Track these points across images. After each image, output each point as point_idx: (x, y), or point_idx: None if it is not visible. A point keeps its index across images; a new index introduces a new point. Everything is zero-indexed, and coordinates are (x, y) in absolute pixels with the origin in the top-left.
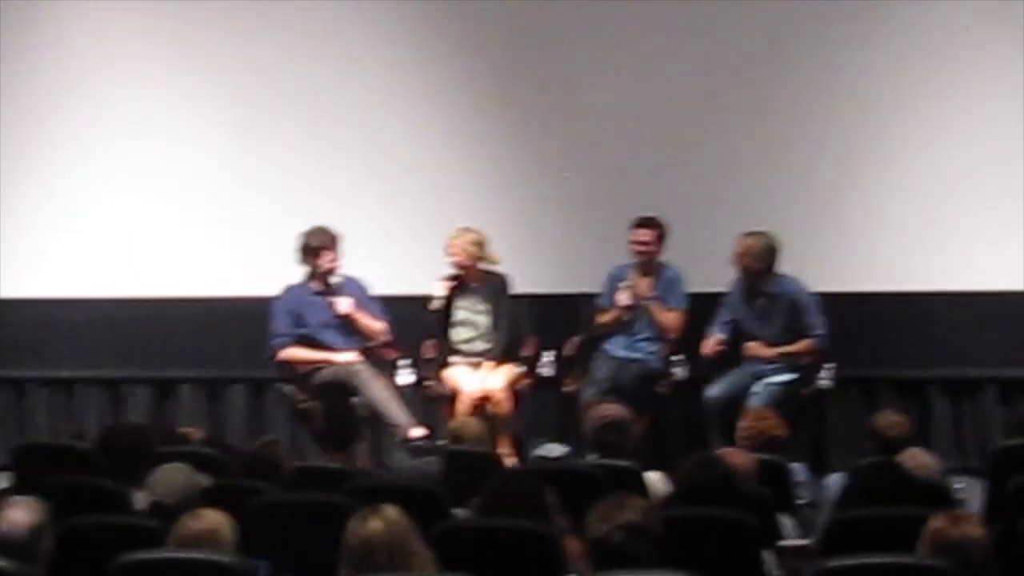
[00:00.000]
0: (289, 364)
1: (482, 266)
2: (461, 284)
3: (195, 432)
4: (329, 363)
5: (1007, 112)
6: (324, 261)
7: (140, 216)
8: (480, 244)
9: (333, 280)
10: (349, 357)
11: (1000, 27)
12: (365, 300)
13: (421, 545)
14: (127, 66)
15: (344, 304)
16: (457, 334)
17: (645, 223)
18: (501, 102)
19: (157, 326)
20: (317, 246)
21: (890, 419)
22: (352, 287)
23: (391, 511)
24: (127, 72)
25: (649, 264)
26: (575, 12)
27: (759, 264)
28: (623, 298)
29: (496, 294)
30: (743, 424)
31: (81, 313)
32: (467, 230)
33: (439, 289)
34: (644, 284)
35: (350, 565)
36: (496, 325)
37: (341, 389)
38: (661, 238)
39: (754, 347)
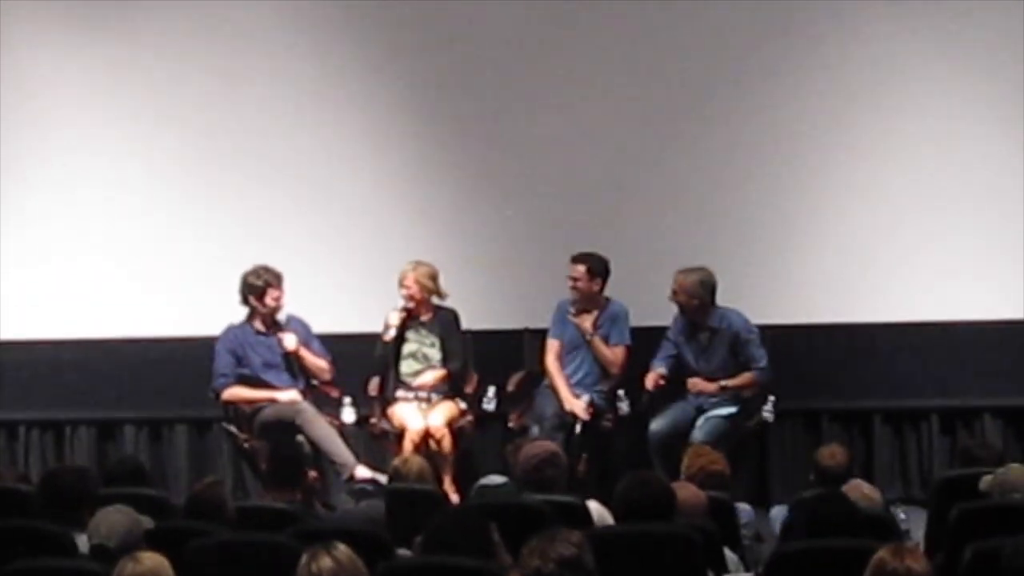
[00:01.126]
0: (232, 404)
1: (434, 300)
2: (411, 317)
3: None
4: (272, 401)
5: (956, 143)
6: (269, 299)
7: (80, 258)
8: (433, 278)
9: (278, 317)
10: (292, 395)
11: (956, 52)
12: (308, 338)
13: None
14: (64, 109)
15: (290, 340)
16: (407, 366)
17: (577, 259)
18: (442, 139)
19: (99, 367)
20: (262, 285)
21: (829, 450)
22: (295, 325)
23: (343, 549)
24: (69, 119)
25: (591, 299)
26: (519, 50)
27: (694, 300)
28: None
29: (447, 327)
30: (685, 462)
31: (22, 355)
32: (420, 263)
33: (393, 319)
34: (587, 320)
35: None
36: (449, 356)
37: (285, 428)
38: (593, 274)
39: (696, 383)
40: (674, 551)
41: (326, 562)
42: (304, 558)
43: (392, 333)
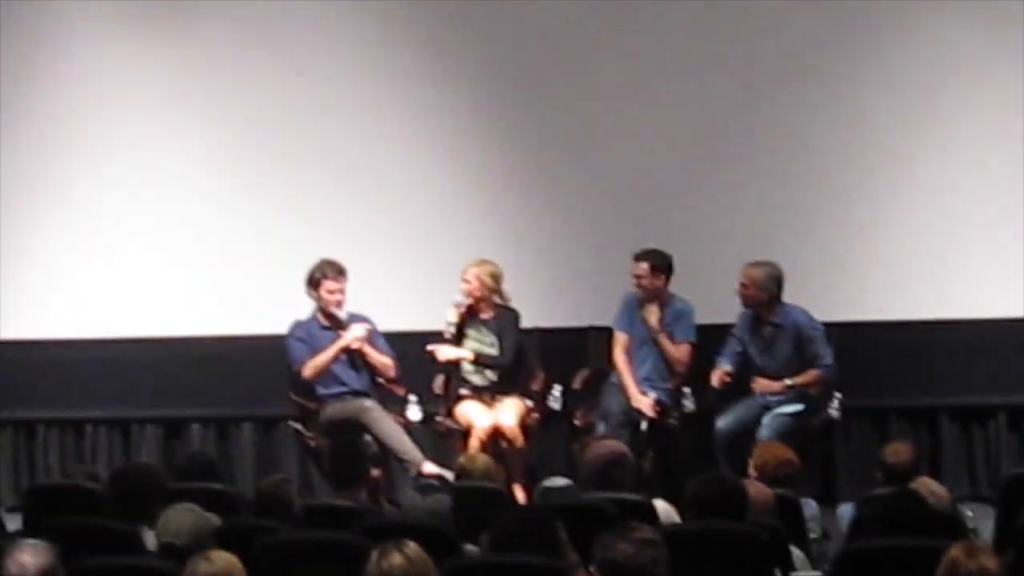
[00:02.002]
0: (317, 380)
1: (496, 300)
2: (472, 314)
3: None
4: (341, 352)
5: (1011, 141)
6: (324, 291)
7: (148, 256)
8: (496, 277)
9: (340, 315)
10: (360, 332)
11: (1004, 55)
12: (373, 336)
13: None
14: (125, 109)
15: (358, 330)
16: (467, 365)
17: (640, 257)
18: (508, 137)
19: (166, 366)
20: (319, 276)
21: (893, 448)
22: (357, 323)
23: (413, 547)
24: (126, 116)
25: (654, 296)
26: (582, 46)
27: (763, 294)
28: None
29: (505, 326)
30: (756, 454)
31: (90, 354)
32: (485, 261)
33: (451, 315)
34: (653, 317)
35: None
36: (502, 352)
37: (350, 426)
38: (657, 270)
39: (762, 383)
40: (743, 550)
41: (397, 559)
42: (374, 555)
43: (450, 329)
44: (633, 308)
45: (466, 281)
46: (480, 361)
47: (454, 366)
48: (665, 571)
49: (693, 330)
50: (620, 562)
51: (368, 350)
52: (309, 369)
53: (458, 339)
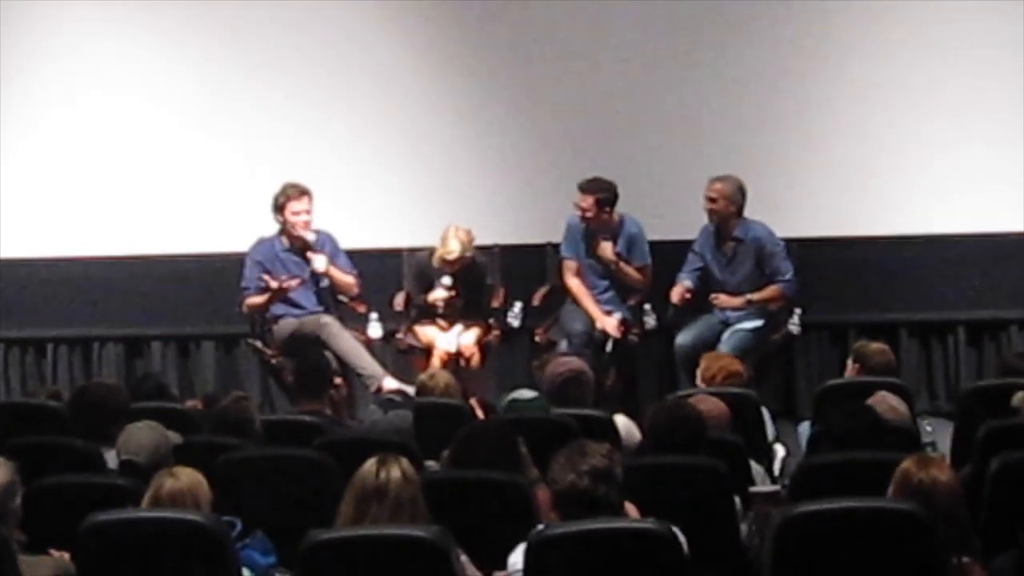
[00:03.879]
0: (253, 310)
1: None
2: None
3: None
4: (284, 290)
5: (976, 59)
6: (289, 213)
7: (109, 174)
8: (472, 243)
9: (308, 235)
10: (321, 261)
11: None
12: (336, 254)
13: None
14: (94, 29)
15: (320, 261)
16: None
17: (585, 189)
18: (468, 55)
19: (127, 284)
20: (282, 200)
21: (875, 347)
22: (323, 240)
23: (407, 464)
24: (95, 35)
25: (602, 226)
26: None
27: (732, 206)
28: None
29: (475, 270)
30: (703, 366)
31: (51, 273)
32: (460, 229)
33: (441, 293)
34: (608, 248)
35: (355, 505)
36: (467, 284)
37: (310, 341)
38: (602, 203)
39: (721, 298)
40: (700, 481)
41: (396, 472)
42: (373, 464)
43: (437, 300)
44: (578, 233)
45: (456, 252)
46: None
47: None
48: (617, 496)
49: (647, 251)
50: (571, 495)
51: (332, 271)
52: (245, 306)
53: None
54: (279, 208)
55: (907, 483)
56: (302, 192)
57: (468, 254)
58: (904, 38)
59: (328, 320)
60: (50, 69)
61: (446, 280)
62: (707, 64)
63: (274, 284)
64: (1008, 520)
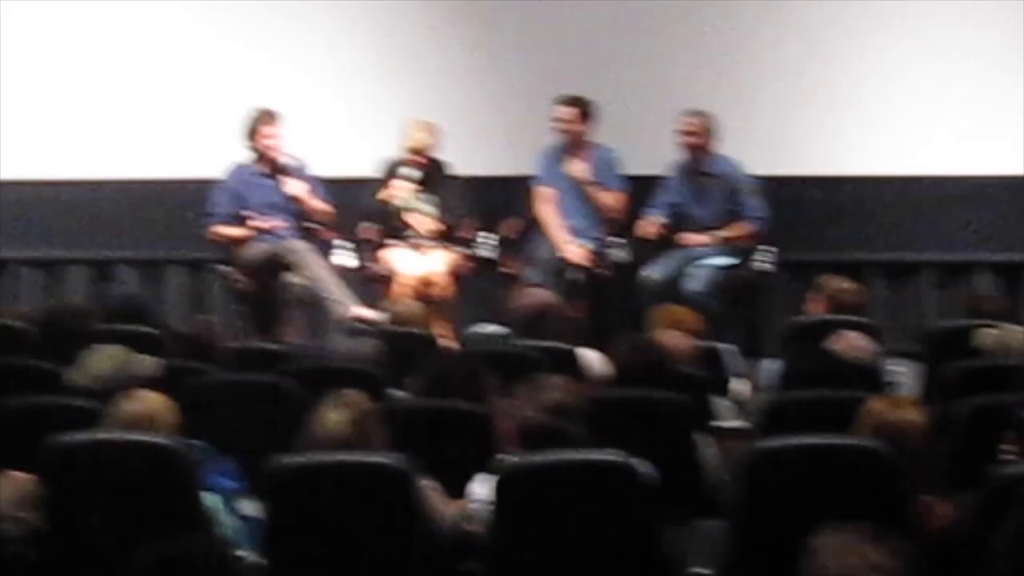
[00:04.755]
0: (224, 242)
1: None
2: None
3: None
4: (258, 230)
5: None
6: (261, 137)
7: (76, 97)
8: (436, 135)
9: (285, 160)
10: (274, 223)
11: None
12: (312, 181)
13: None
14: None
15: (294, 186)
16: (413, 218)
17: (565, 101)
18: None
19: (95, 207)
20: (254, 126)
21: (846, 285)
22: (299, 167)
23: (358, 397)
24: None
25: (578, 144)
26: None
27: (704, 140)
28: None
29: (442, 179)
30: (656, 319)
31: (18, 195)
32: (426, 123)
33: (401, 191)
34: (579, 167)
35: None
36: (447, 209)
37: (272, 267)
38: (584, 117)
39: (691, 237)
40: (663, 415)
41: (343, 416)
42: (323, 408)
43: (398, 203)
44: (554, 160)
45: (416, 151)
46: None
47: (391, 213)
48: (578, 429)
49: (623, 178)
50: (532, 430)
51: (306, 197)
52: (213, 233)
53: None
54: (251, 133)
55: (877, 423)
56: (273, 117)
57: (432, 143)
58: None
59: (298, 245)
60: None
61: (413, 173)
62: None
63: (257, 223)
64: (974, 461)
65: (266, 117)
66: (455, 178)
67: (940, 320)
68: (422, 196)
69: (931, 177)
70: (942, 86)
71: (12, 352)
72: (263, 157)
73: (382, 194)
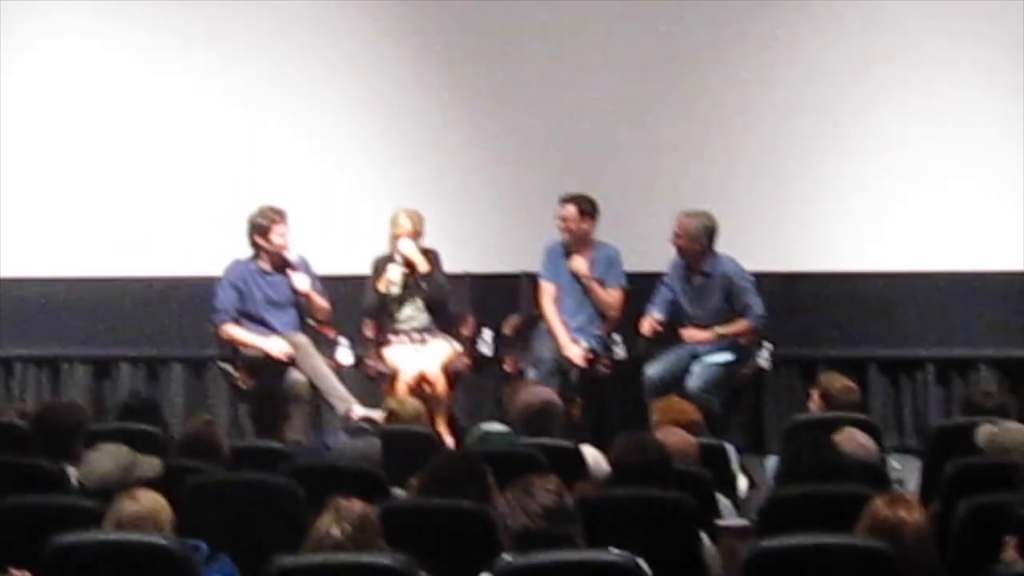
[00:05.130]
0: (229, 342)
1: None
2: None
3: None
4: (261, 349)
5: (956, 93)
6: (275, 236)
7: (80, 196)
8: (422, 223)
9: (290, 256)
10: (281, 345)
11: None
12: (312, 277)
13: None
14: (72, 44)
15: (302, 281)
16: (399, 311)
17: (567, 200)
18: (443, 85)
19: (97, 305)
20: (267, 224)
21: (841, 384)
22: (303, 263)
23: (359, 506)
24: (73, 51)
25: (581, 242)
26: None
27: (696, 244)
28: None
29: (440, 276)
30: (655, 418)
31: (20, 291)
32: (412, 211)
33: (396, 274)
34: (582, 263)
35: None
36: (436, 291)
37: (275, 365)
38: (585, 215)
39: (691, 333)
40: (666, 516)
41: (347, 528)
42: (322, 519)
43: (396, 290)
44: (558, 256)
45: (404, 235)
46: (427, 277)
47: (387, 313)
48: (572, 530)
49: (624, 275)
50: (527, 538)
51: (311, 293)
52: (225, 334)
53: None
54: (263, 231)
55: (876, 521)
56: (283, 215)
57: (420, 229)
58: (879, 81)
59: (301, 340)
60: (25, 89)
61: (399, 257)
62: (685, 99)
63: (274, 352)
64: (974, 560)
65: (277, 216)
66: (440, 265)
67: (941, 417)
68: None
69: (933, 273)
70: (941, 185)
71: (12, 449)
72: (267, 254)
73: (380, 284)
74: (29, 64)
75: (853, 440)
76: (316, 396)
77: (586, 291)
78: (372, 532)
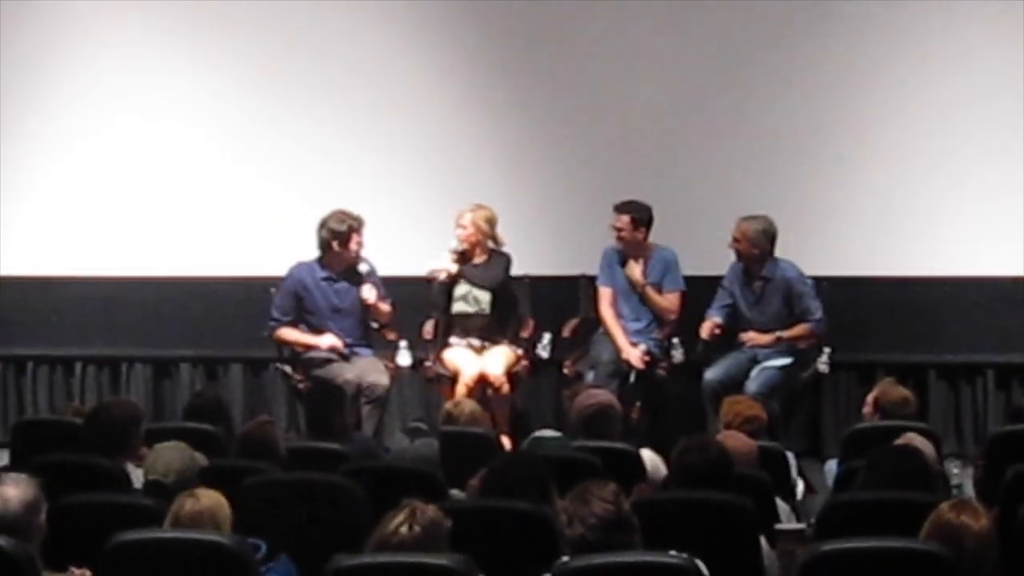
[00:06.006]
0: (282, 344)
1: (489, 244)
2: (465, 260)
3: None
4: (311, 345)
5: (1009, 100)
6: (354, 244)
7: (142, 195)
8: (491, 222)
9: (361, 267)
10: (330, 340)
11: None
12: (377, 285)
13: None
14: (121, 45)
15: (370, 292)
16: (458, 307)
17: (620, 209)
18: (504, 86)
19: (157, 305)
20: (346, 231)
21: (897, 396)
22: (371, 270)
23: (431, 512)
24: (120, 52)
25: (636, 248)
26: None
27: (756, 248)
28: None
29: (499, 272)
30: (723, 411)
31: (82, 291)
32: (480, 206)
33: (447, 261)
34: (636, 270)
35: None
36: (498, 300)
37: (329, 364)
38: (638, 224)
39: (751, 336)
40: (727, 519)
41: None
42: (395, 518)
43: (443, 276)
44: (614, 261)
45: (462, 227)
46: (475, 282)
47: (444, 311)
48: (629, 539)
49: (681, 278)
50: (584, 547)
51: (378, 304)
52: (277, 339)
53: (451, 284)
54: (343, 238)
55: (940, 526)
56: (360, 222)
57: (483, 226)
58: (947, 83)
59: (372, 381)
60: (90, 92)
61: (453, 243)
62: (745, 102)
63: (323, 345)
64: None
65: (355, 222)
66: (510, 273)
67: (1001, 423)
68: (470, 278)
69: (991, 278)
70: (1004, 189)
71: (72, 449)
72: (337, 259)
73: (428, 271)
74: (98, 65)
75: (913, 446)
76: (377, 399)
77: (642, 298)
78: (440, 537)
